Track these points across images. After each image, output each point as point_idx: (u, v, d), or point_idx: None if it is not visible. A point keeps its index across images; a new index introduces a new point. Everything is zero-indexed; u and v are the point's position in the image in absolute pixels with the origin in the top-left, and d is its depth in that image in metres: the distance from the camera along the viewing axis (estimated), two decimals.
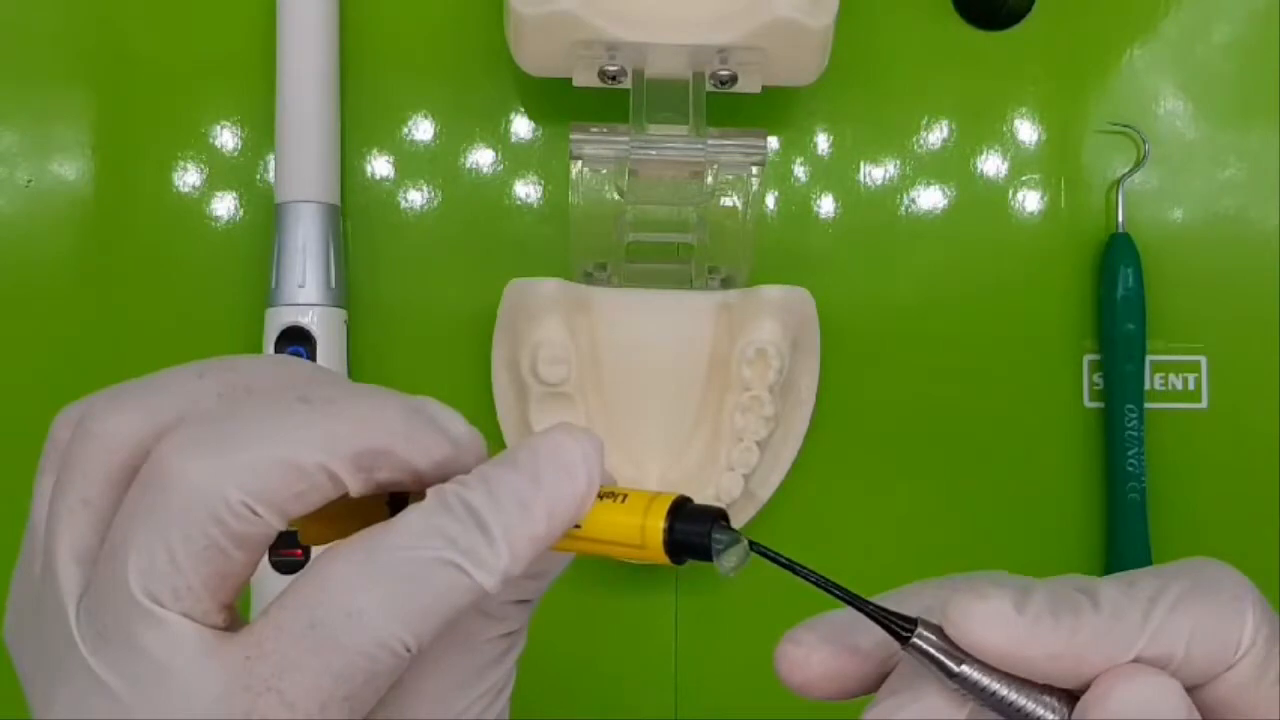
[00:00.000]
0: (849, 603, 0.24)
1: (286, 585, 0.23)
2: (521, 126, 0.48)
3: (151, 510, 0.22)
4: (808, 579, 0.24)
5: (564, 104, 0.47)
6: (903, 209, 0.49)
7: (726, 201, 0.44)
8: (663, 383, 0.46)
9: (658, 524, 0.24)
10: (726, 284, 0.46)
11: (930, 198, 0.49)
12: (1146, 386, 0.48)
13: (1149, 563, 0.47)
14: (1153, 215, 0.49)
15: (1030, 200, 0.49)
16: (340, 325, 0.45)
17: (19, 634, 0.25)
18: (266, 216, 0.46)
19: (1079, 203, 0.49)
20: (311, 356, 0.44)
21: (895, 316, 0.49)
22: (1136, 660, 0.23)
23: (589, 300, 0.46)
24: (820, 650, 0.26)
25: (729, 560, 0.24)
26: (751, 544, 0.24)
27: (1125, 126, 0.49)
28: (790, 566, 0.24)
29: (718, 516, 0.24)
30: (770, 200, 0.49)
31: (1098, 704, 0.23)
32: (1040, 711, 0.24)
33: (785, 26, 0.42)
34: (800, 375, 0.47)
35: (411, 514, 0.23)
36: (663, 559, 0.24)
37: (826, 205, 0.49)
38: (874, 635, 0.25)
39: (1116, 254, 0.48)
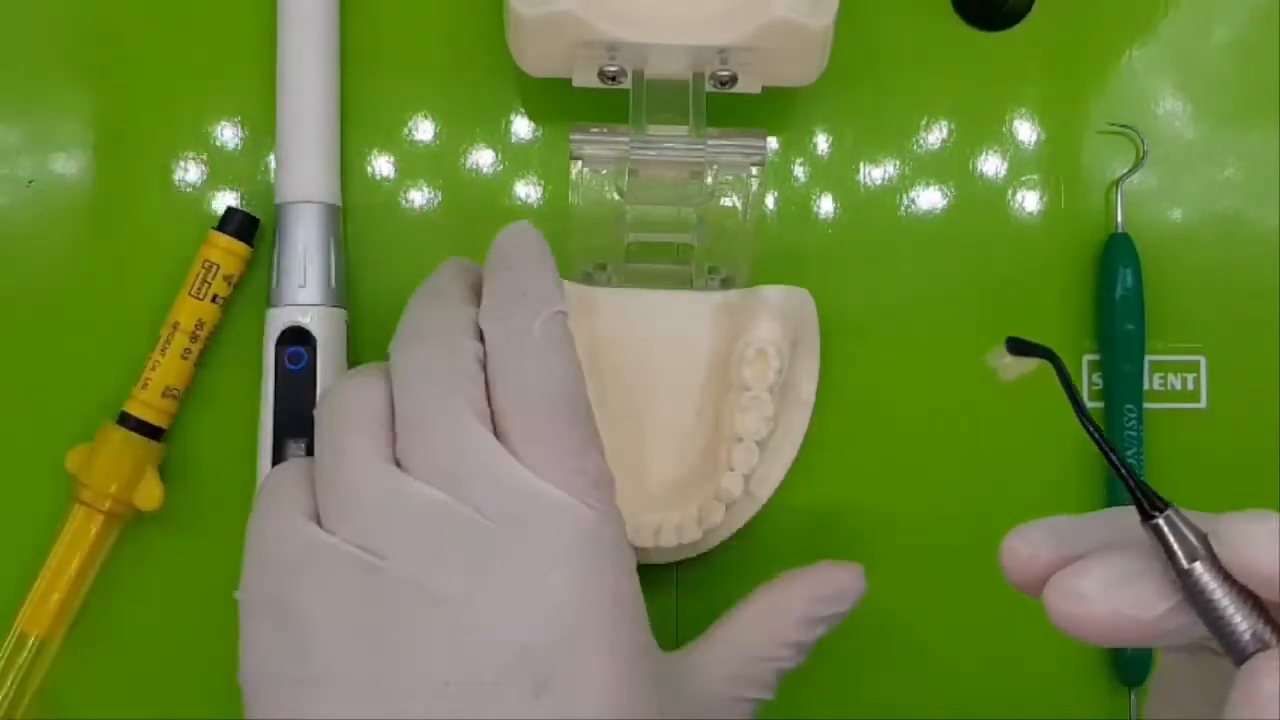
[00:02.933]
0: (1115, 465, 0.25)
1: None
2: (521, 126, 0.48)
3: None
4: (1085, 424, 0.26)
5: (564, 104, 0.47)
6: (902, 209, 0.49)
7: (726, 202, 0.44)
8: (662, 383, 0.46)
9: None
10: (726, 284, 0.46)
11: (930, 198, 0.49)
12: (1145, 386, 0.48)
13: None
14: (1152, 215, 0.49)
15: (1029, 200, 0.49)
16: (340, 325, 0.45)
17: None
18: (267, 217, 0.46)
19: (1078, 203, 0.49)
20: (311, 357, 0.44)
21: (895, 316, 0.49)
22: None
23: (589, 300, 0.46)
24: (1046, 547, 0.27)
25: (1013, 368, 0.27)
26: (1058, 369, 0.27)
27: (1124, 127, 0.49)
28: (1077, 404, 0.26)
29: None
30: (770, 200, 0.49)
31: None
32: (1253, 632, 0.23)
33: (785, 27, 0.42)
34: (800, 375, 0.47)
35: None
36: None
37: (826, 205, 0.49)
38: (1093, 541, 0.27)
39: (1115, 254, 0.48)
